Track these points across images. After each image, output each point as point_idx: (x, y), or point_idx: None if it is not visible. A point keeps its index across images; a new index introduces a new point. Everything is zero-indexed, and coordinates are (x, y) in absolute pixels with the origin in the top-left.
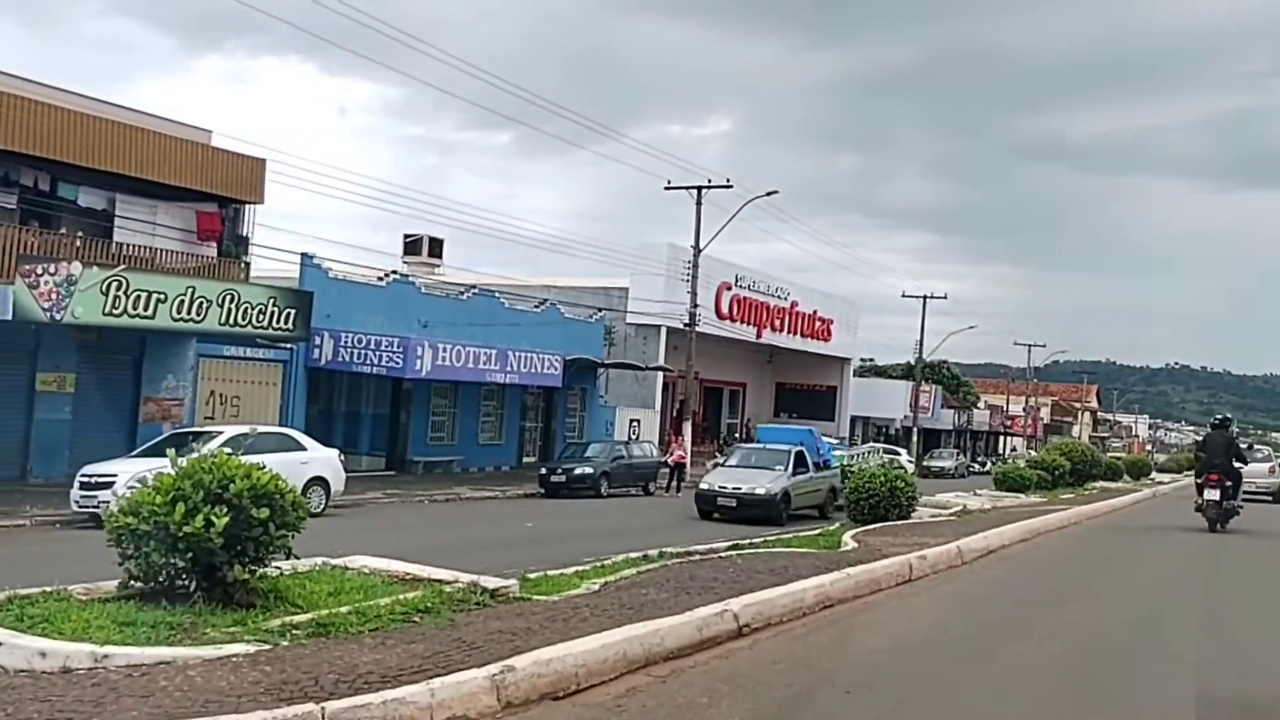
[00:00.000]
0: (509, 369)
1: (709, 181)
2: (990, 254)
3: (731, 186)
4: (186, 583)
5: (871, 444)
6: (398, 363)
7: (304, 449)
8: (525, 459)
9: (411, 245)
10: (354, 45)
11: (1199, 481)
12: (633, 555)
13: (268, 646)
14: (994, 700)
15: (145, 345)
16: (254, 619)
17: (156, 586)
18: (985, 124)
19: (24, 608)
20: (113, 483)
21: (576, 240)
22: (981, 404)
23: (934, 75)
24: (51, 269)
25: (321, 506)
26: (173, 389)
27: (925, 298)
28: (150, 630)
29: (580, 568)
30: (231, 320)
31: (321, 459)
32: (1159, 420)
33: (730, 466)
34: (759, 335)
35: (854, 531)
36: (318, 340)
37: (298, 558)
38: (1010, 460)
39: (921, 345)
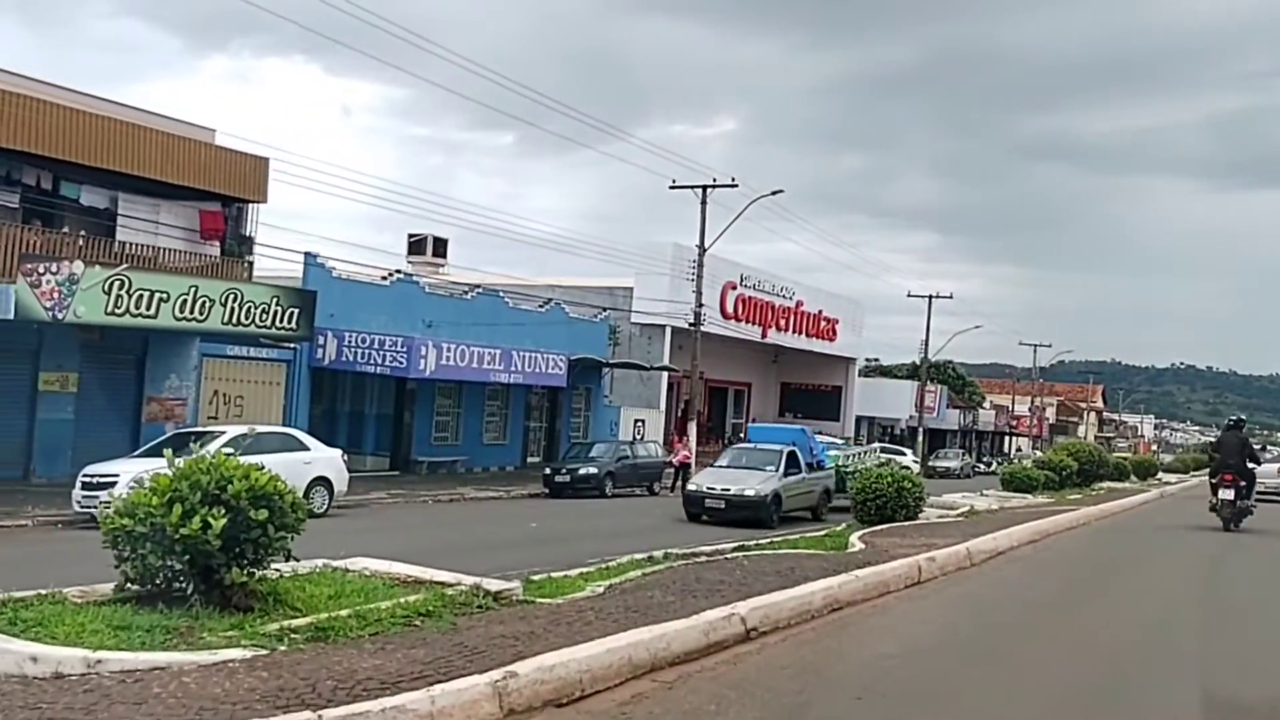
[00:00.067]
0: (513, 369)
1: (714, 180)
2: (994, 254)
3: (737, 185)
4: (184, 585)
5: (867, 443)
6: (402, 362)
7: (307, 449)
8: (530, 459)
9: (416, 245)
10: (358, 46)
11: (1214, 481)
12: (638, 556)
13: (265, 651)
14: (1006, 707)
15: (148, 345)
16: (252, 623)
17: (153, 589)
18: (989, 124)
19: (17, 611)
20: (114, 483)
21: (581, 240)
22: (987, 404)
23: (938, 75)
24: (53, 268)
25: (325, 507)
26: (176, 389)
27: (931, 297)
28: (145, 634)
29: (585, 569)
30: (234, 320)
31: (325, 459)
32: (1164, 420)
33: (720, 467)
34: (764, 335)
35: (861, 532)
36: (321, 340)
37: (296, 560)
38: (1016, 460)
39: (927, 345)
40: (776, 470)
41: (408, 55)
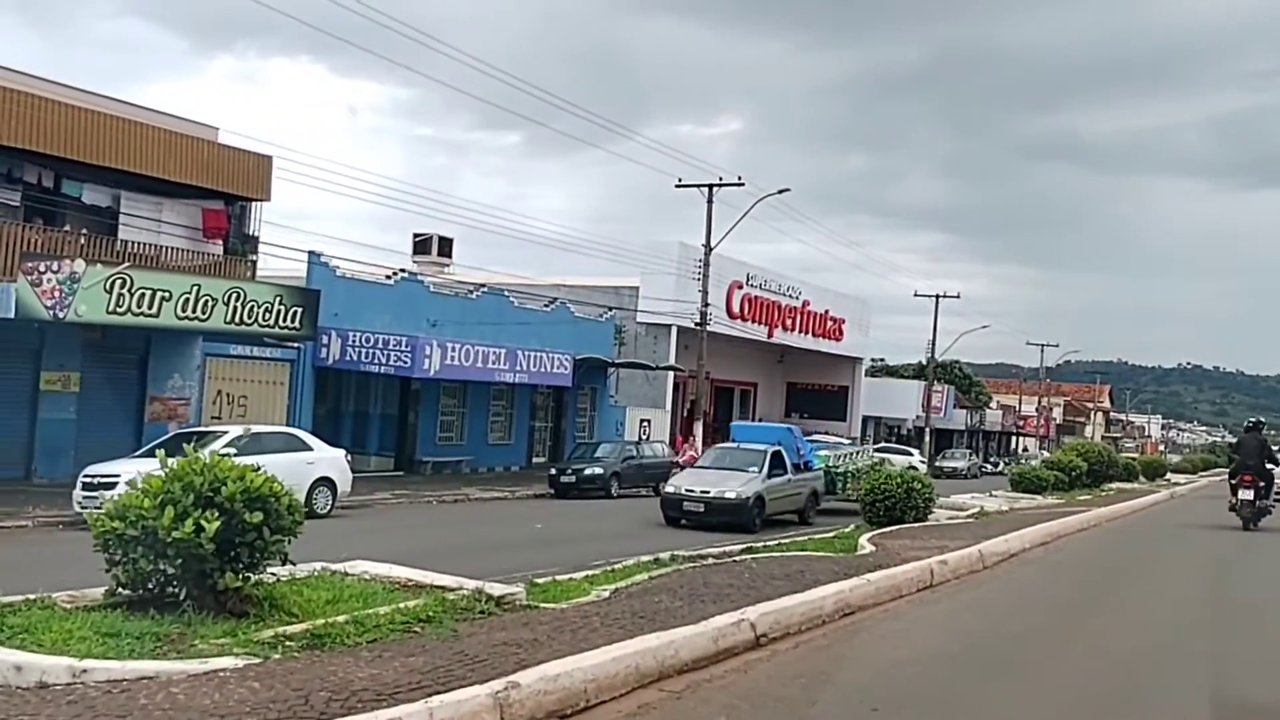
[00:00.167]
0: (518, 368)
1: (720, 179)
2: (1000, 254)
3: (743, 184)
4: (176, 590)
5: (874, 443)
6: (406, 362)
7: (310, 449)
8: (535, 459)
9: (421, 244)
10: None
11: (1233, 482)
12: (644, 559)
13: (258, 660)
14: (1027, 718)
15: (151, 344)
16: (245, 629)
17: (145, 594)
18: (993, 124)
19: (4, 617)
20: (115, 483)
21: (586, 239)
22: (994, 404)
23: (943, 75)
24: (54, 266)
25: (328, 507)
26: (179, 388)
27: (938, 297)
28: (135, 641)
29: (590, 572)
30: (237, 319)
31: (328, 459)
32: (1171, 420)
33: (700, 468)
34: (770, 335)
35: (870, 534)
36: (325, 339)
37: (294, 563)
38: (1023, 460)
39: (934, 344)
40: (760, 471)
41: (413, 55)
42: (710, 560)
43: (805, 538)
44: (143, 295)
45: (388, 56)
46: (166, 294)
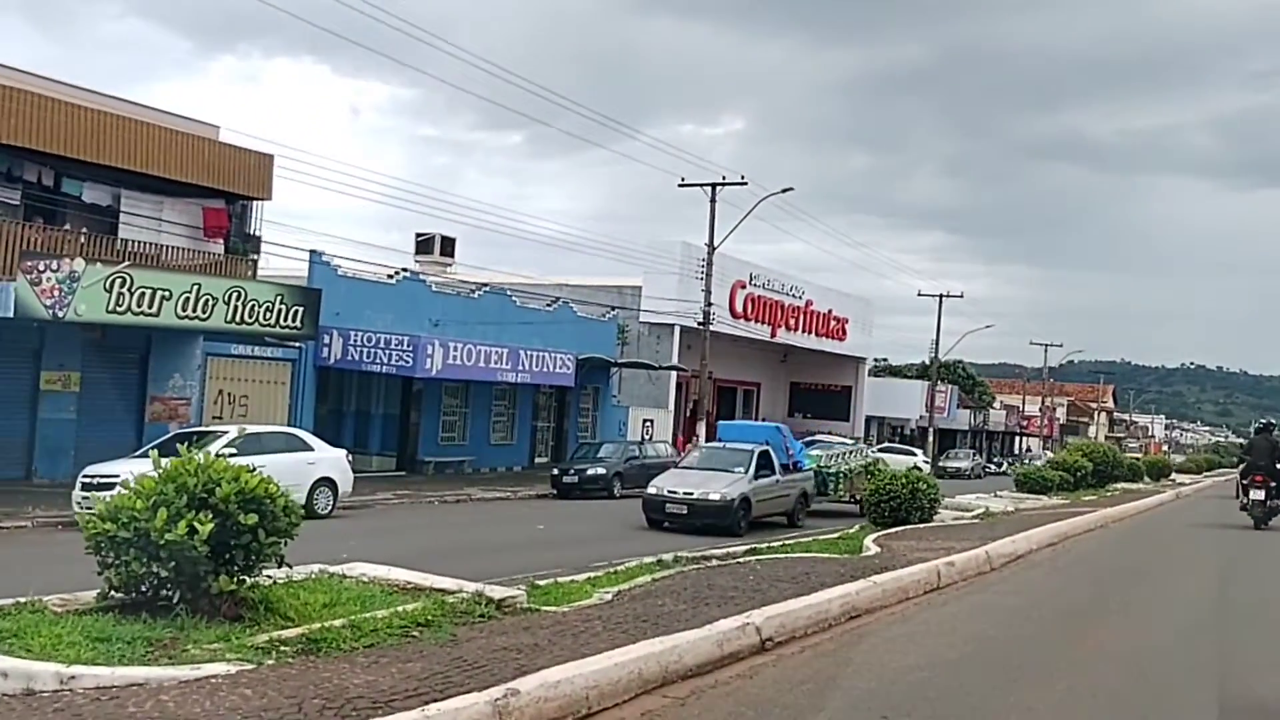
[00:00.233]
0: (521, 368)
1: (723, 178)
2: (1003, 253)
3: (746, 183)
4: (170, 594)
5: (877, 443)
6: (408, 362)
7: (311, 449)
8: (537, 459)
9: (423, 244)
10: (367, 45)
11: (1244, 483)
12: (647, 560)
13: (251, 666)
14: None
15: (151, 344)
16: (239, 634)
17: (138, 597)
18: (997, 123)
19: None
20: (115, 484)
21: (589, 239)
22: (997, 404)
23: (945, 74)
24: (54, 265)
25: (329, 508)
26: (180, 388)
27: (941, 296)
28: (126, 647)
29: (592, 574)
30: (238, 318)
31: (329, 459)
32: (1174, 420)
33: (685, 468)
34: (773, 334)
35: (875, 535)
36: (327, 339)
37: (289, 566)
38: (1027, 461)
39: (937, 344)
40: (746, 472)
41: (416, 54)
42: (714, 562)
43: (810, 539)
44: (143, 294)
45: (391, 56)
46: (167, 293)
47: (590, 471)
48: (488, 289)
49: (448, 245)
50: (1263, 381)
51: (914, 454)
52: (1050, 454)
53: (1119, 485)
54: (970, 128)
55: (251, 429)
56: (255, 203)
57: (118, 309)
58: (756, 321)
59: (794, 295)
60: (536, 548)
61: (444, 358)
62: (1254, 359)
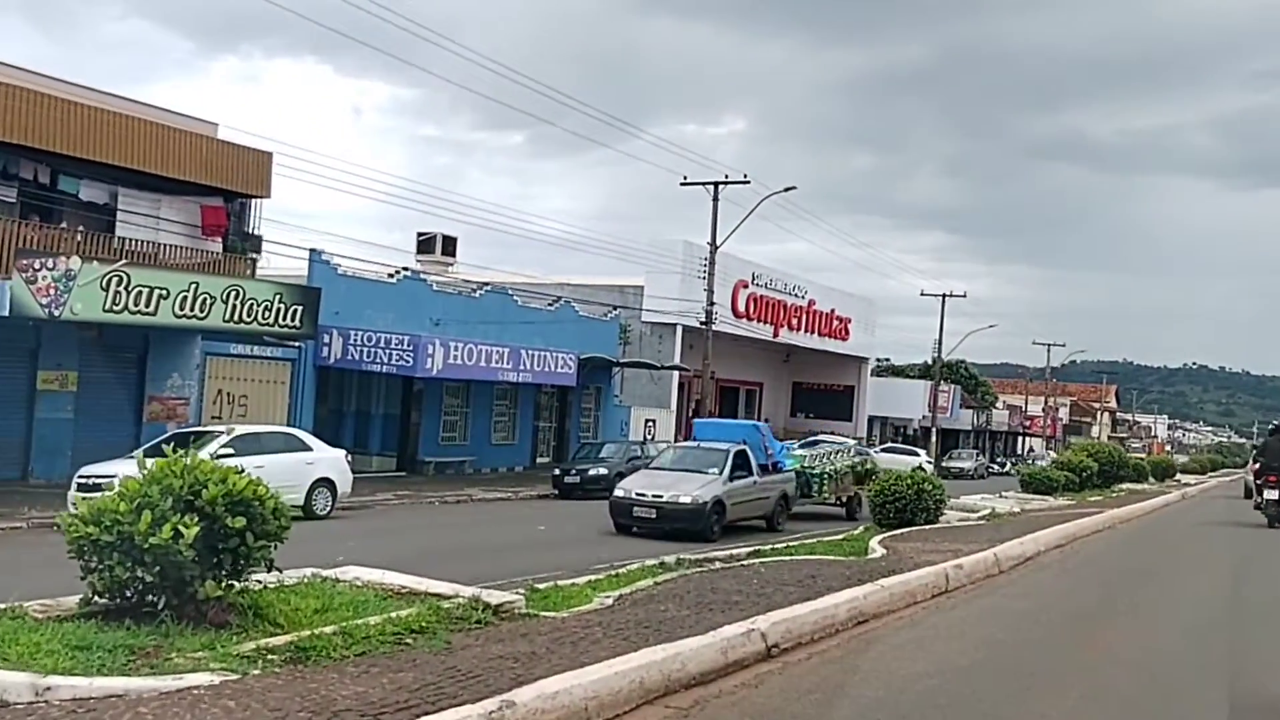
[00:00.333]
0: (522, 368)
1: (726, 177)
2: (1005, 253)
3: (749, 182)
4: (155, 599)
5: (880, 443)
6: (408, 361)
7: (309, 449)
8: (539, 459)
9: (425, 244)
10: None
11: (1259, 483)
12: (650, 563)
13: (235, 676)
14: None
15: (149, 343)
16: (225, 641)
17: (123, 603)
18: (999, 123)
19: None
20: (111, 484)
21: (591, 238)
22: (1000, 404)
23: (947, 74)
24: (50, 264)
25: (328, 508)
26: (178, 388)
27: (944, 296)
28: (107, 655)
29: (593, 577)
30: (236, 317)
31: (328, 460)
32: (1177, 421)
33: (656, 469)
34: (776, 334)
35: (880, 536)
36: (326, 338)
37: (279, 570)
38: (1030, 461)
39: (940, 344)
40: (720, 473)
41: (418, 53)
42: (718, 565)
43: (814, 540)
44: (140, 293)
45: (393, 54)
46: (164, 292)
47: (592, 472)
48: (489, 288)
49: (449, 245)
50: (1265, 382)
51: (917, 454)
52: (1054, 454)
53: (1124, 486)
54: (971, 128)
55: (245, 429)
56: (254, 201)
57: (114, 308)
58: (759, 321)
59: (796, 295)
60: (537, 549)
61: (445, 357)
62: (1257, 359)
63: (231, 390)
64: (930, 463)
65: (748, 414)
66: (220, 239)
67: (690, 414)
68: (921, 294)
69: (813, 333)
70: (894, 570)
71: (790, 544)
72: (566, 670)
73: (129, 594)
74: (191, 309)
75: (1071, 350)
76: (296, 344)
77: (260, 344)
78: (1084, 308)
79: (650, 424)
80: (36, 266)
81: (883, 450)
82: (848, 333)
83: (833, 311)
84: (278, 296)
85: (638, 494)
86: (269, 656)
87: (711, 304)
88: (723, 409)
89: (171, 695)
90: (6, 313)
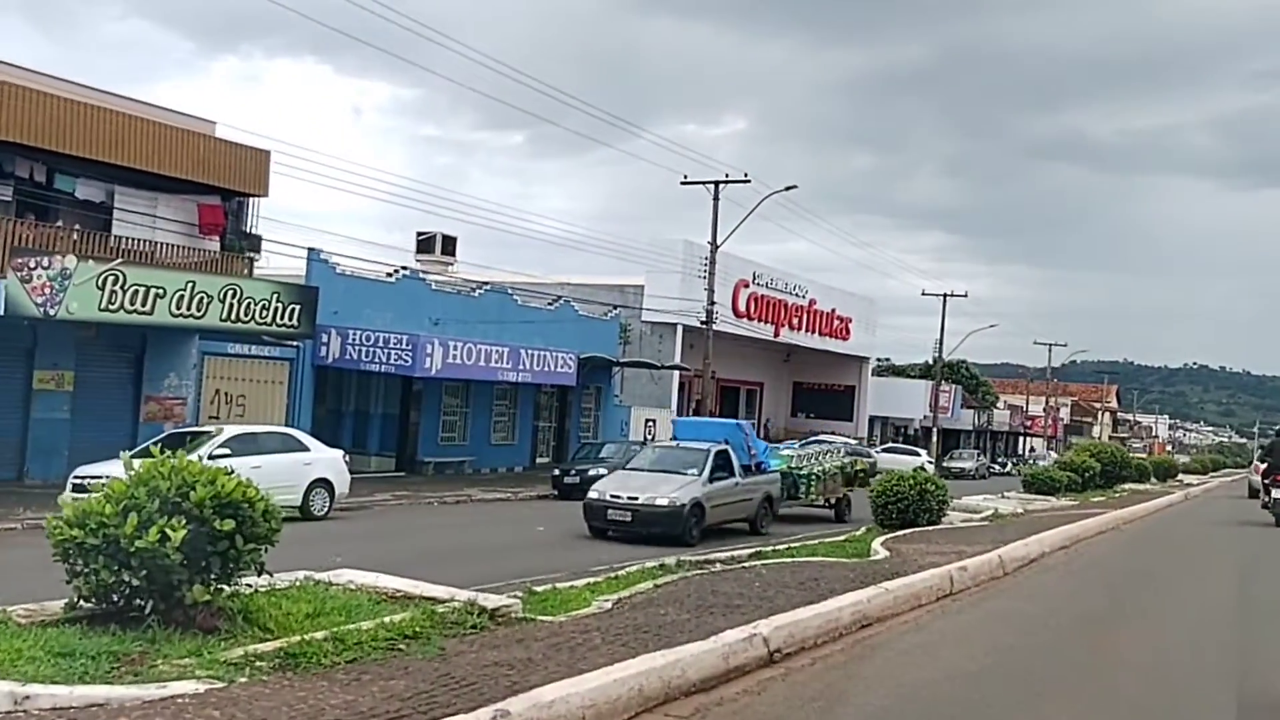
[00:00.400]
0: (522, 367)
1: (726, 176)
2: (1005, 253)
3: (749, 181)
4: (142, 604)
5: (881, 444)
6: (407, 361)
7: (307, 450)
8: (539, 459)
9: (424, 243)
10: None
11: (1266, 482)
12: (649, 565)
13: (221, 684)
14: None
15: (146, 342)
16: (213, 647)
17: (110, 608)
18: (999, 123)
19: None
20: (106, 485)
21: (592, 237)
22: (1001, 404)
23: (947, 75)
24: (45, 262)
25: (325, 509)
26: (175, 387)
27: (945, 296)
28: (90, 662)
29: (592, 580)
30: (233, 316)
31: (325, 460)
32: (1178, 421)
33: (632, 469)
34: (776, 334)
35: (883, 538)
36: (325, 338)
37: (270, 574)
38: (1032, 461)
39: (941, 344)
40: (700, 473)
41: (418, 52)
42: (718, 566)
43: (816, 541)
44: (136, 292)
45: (394, 53)
46: (160, 291)
47: (592, 472)
48: (488, 287)
49: (449, 244)
50: (1266, 382)
51: (918, 454)
52: (1055, 454)
53: (1127, 486)
54: (971, 128)
55: (238, 429)
56: (252, 199)
57: (110, 307)
58: (759, 321)
59: (797, 294)
60: (536, 551)
61: (444, 357)
62: (1257, 359)
63: (229, 390)
64: (931, 463)
65: (748, 414)
66: (218, 238)
67: (691, 414)
68: (923, 294)
69: (813, 332)
70: (898, 572)
71: (792, 545)
72: (563, 678)
73: (115, 598)
74: (188, 308)
75: (1072, 350)
76: (294, 343)
77: (258, 343)
78: (1084, 308)
79: (650, 424)
80: (32, 265)
81: (883, 450)
82: (848, 332)
83: (833, 311)
84: (275, 296)
85: (612, 496)
86: (257, 663)
87: (712, 303)
88: (723, 409)
89: (154, 704)
90: (1, 312)
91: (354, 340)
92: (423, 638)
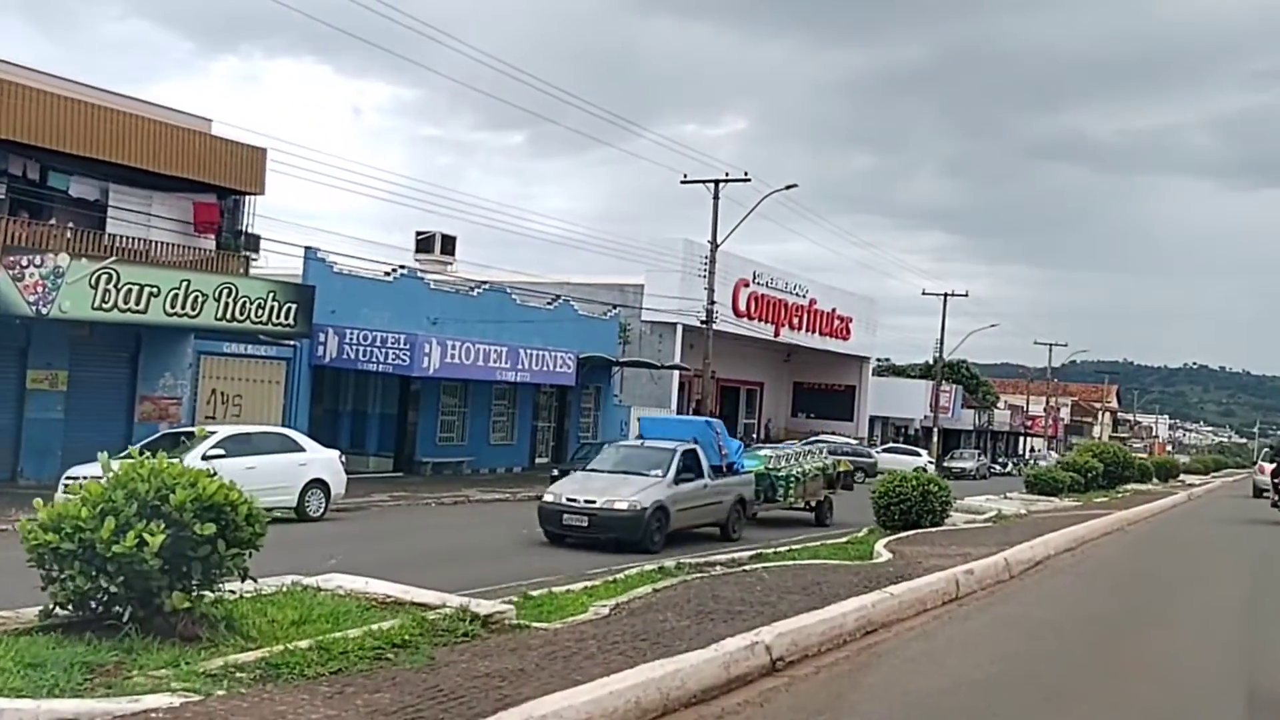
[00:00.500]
0: (521, 367)
1: (726, 175)
2: (1005, 254)
3: (750, 180)
4: (120, 611)
5: (881, 444)
6: (405, 360)
7: (302, 450)
8: (537, 460)
9: (423, 243)
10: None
11: (1276, 481)
12: (648, 568)
13: (197, 697)
14: None
15: (141, 342)
16: (192, 658)
17: (87, 615)
18: (998, 123)
19: None
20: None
21: (592, 237)
22: (1001, 404)
23: (947, 74)
24: (37, 260)
25: (321, 510)
26: (170, 387)
27: (946, 296)
28: (61, 674)
29: (589, 583)
30: (229, 315)
31: (321, 460)
32: (1178, 420)
33: (592, 470)
34: (777, 334)
35: (886, 540)
36: (322, 337)
37: (254, 579)
38: (1032, 461)
39: (942, 344)
40: (665, 475)
41: (419, 51)
42: (719, 569)
43: (818, 543)
44: (130, 291)
45: (394, 51)
46: (155, 289)
47: None
48: (487, 287)
49: (448, 244)
50: (1265, 382)
51: (919, 454)
52: (1055, 454)
53: (1129, 486)
54: (971, 128)
55: (231, 430)
56: (248, 197)
57: (104, 305)
58: (760, 320)
59: (798, 294)
60: (534, 552)
61: (441, 356)
62: (1257, 359)
63: (225, 390)
64: (932, 463)
65: (748, 415)
66: (213, 236)
67: (691, 414)
68: (923, 293)
69: (814, 332)
70: (902, 576)
71: (794, 548)
72: (556, 690)
73: (93, 605)
74: (183, 307)
75: (1072, 350)
76: (291, 343)
77: (254, 343)
78: (1084, 308)
79: None
80: (24, 264)
81: (884, 451)
82: (849, 332)
83: (834, 311)
84: (271, 294)
85: (568, 500)
86: (237, 674)
87: (712, 303)
88: (723, 409)
89: (125, 719)
90: None
91: (351, 340)
92: (412, 646)
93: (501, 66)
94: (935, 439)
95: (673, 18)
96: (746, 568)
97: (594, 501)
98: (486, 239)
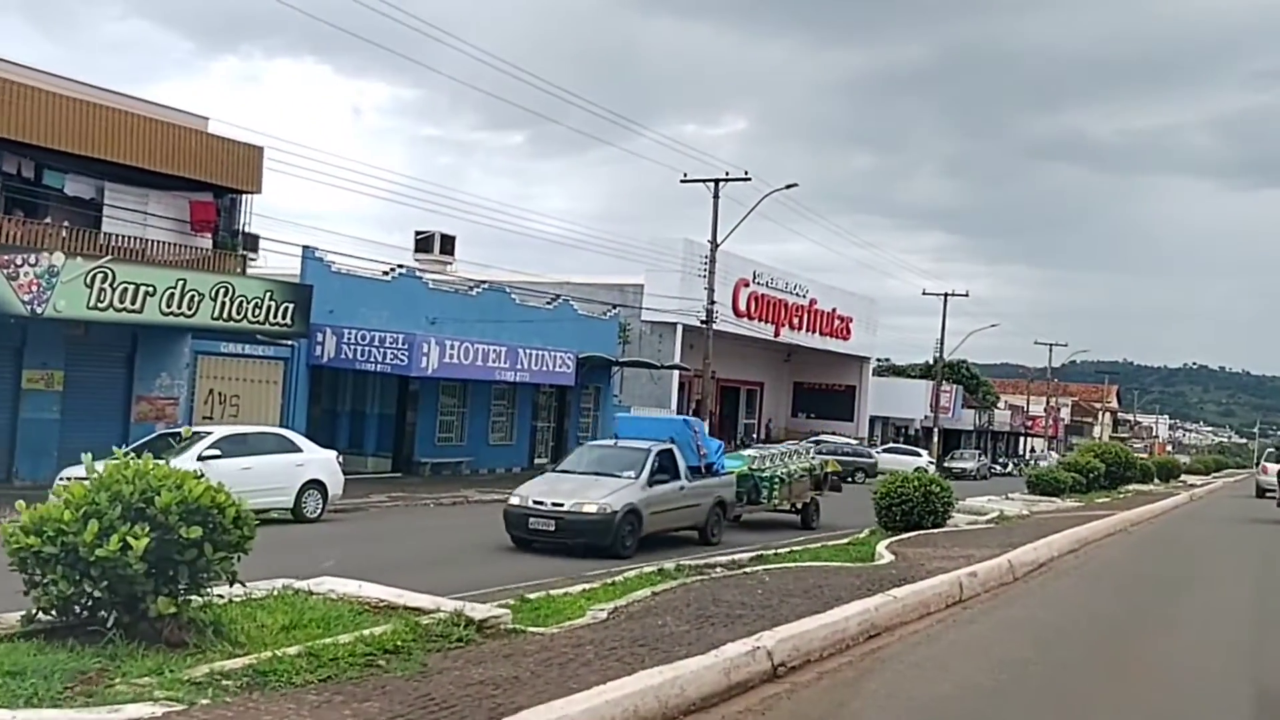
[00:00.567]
0: (520, 367)
1: (726, 174)
2: (1005, 254)
3: (750, 179)
4: (105, 616)
5: (882, 444)
6: (403, 360)
7: (299, 450)
8: (537, 460)
9: (423, 242)
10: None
11: None
12: (648, 571)
13: (180, 707)
14: None
15: (138, 341)
16: (177, 664)
17: (71, 620)
18: (999, 124)
19: None
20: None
21: (592, 236)
22: (1002, 404)
23: (947, 75)
24: (31, 259)
25: (318, 511)
26: (167, 387)
27: (946, 296)
28: (41, 682)
29: (588, 585)
30: (225, 314)
31: (318, 461)
32: (1178, 421)
33: (561, 471)
34: (777, 334)
35: (887, 541)
36: (320, 337)
37: (243, 583)
38: (1033, 461)
39: (942, 344)
40: (638, 476)
41: (419, 51)
42: (719, 572)
43: (819, 544)
44: (125, 290)
45: (395, 51)
46: (150, 289)
47: None
48: (486, 286)
49: (447, 243)
50: (1265, 382)
51: (919, 455)
52: (1056, 455)
53: (1131, 487)
54: (971, 128)
55: (227, 430)
56: (245, 196)
57: (99, 305)
58: (760, 320)
59: (798, 294)
60: (532, 554)
61: (440, 356)
62: (1257, 359)
63: (223, 390)
64: (932, 463)
65: (748, 415)
66: (210, 235)
67: (691, 414)
68: (924, 293)
69: (814, 332)
70: (905, 578)
71: (794, 549)
72: (552, 698)
73: (77, 610)
74: (179, 306)
75: (1072, 350)
76: (289, 343)
77: (252, 343)
78: (1084, 308)
79: None
80: (18, 262)
81: (884, 451)
82: (849, 332)
83: (834, 311)
84: (268, 294)
85: (535, 502)
86: (222, 682)
87: (712, 303)
88: (723, 409)
89: None
90: None
91: (349, 339)
92: (404, 653)
93: (502, 66)
94: (935, 439)
95: (673, 17)
96: (748, 570)
97: (562, 504)
98: (486, 239)
